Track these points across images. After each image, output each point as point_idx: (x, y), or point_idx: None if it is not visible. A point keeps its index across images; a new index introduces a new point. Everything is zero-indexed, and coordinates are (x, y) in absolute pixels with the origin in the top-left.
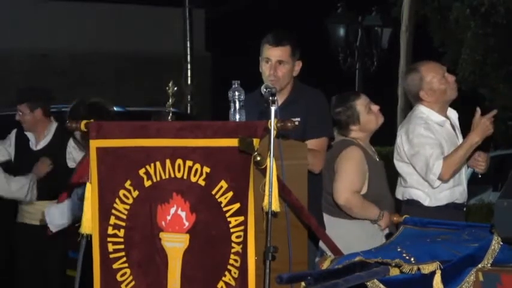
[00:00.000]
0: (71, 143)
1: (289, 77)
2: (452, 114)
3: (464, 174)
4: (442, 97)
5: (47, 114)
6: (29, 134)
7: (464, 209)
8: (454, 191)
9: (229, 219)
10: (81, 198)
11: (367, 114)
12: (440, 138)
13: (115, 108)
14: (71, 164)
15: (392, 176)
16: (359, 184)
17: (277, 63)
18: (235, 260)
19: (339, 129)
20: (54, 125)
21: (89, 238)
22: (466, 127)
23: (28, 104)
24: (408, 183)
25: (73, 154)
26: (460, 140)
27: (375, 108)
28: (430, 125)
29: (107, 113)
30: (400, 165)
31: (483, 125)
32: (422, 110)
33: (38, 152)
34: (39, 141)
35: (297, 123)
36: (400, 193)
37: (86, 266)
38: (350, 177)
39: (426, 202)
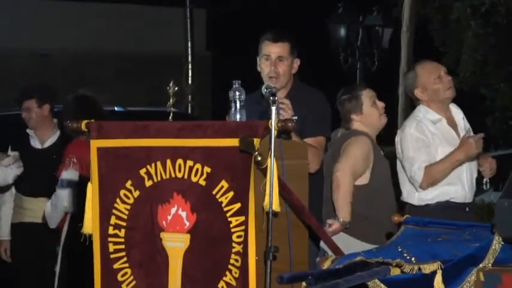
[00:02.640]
0: None
1: (288, 74)
2: (456, 114)
3: (466, 174)
4: (435, 96)
5: (52, 112)
6: (31, 133)
7: (467, 208)
8: (448, 190)
9: (230, 219)
10: (62, 186)
11: (371, 107)
12: (432, 138)
13: (115, 108)
14: None
15: (392, 176)
16: (361, 169)
17: (277, 59)
18: (236, 260)
19: (342, 122)
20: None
21: (90, 238)
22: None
23: (36, 99)
24: (402, 182)
25: None
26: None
27: (380, 104)
28: (422, 125)
29: (99, 108)
30: (398, 163)
31: (468, 144)
32: (420, 109)
33: (43, 151)
34: (44, 140)
35: (295, 121)
36: (402, 192)
37: (87, 266)
38: (355, 157)
39: (415, 201)
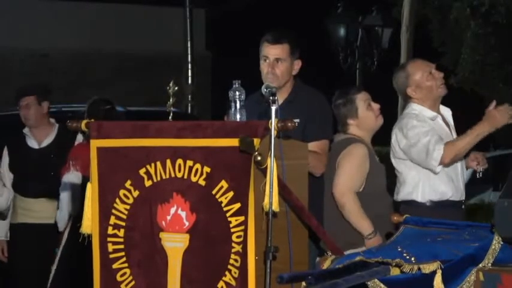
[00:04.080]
0: (79, 138)
1: (287, 76)
2: (446, 111)
3: (460, 172)
4: (429, 94)
5: (49, 111)
6: (28, 133)
7: (463, 206)
8: (447, 189)
9: (229, 219)
10: (64, 189)
11: (366, 110)
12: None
13: None
14: None
15: (392, 177)
16: (358, 182)
17: (275, 61)
18: (236, 260)
19: (339, 125)
20: (56, 125)
21: (90, 238)
22: (466, 127)
23: (36, 96)
24: (403, 181)
25: None
26: (454, 135)
27: (375, 106)
28: (422, 118)
29: (118, 118)
30: (396, 163)
31: (492, 117)
32: (414, 107)
33: (41, 151)
34: (41, 140)
35: (296, 124)
36: (397, 193)
37: (86, 266)
38: (351, 172)
39: (419, 198)
